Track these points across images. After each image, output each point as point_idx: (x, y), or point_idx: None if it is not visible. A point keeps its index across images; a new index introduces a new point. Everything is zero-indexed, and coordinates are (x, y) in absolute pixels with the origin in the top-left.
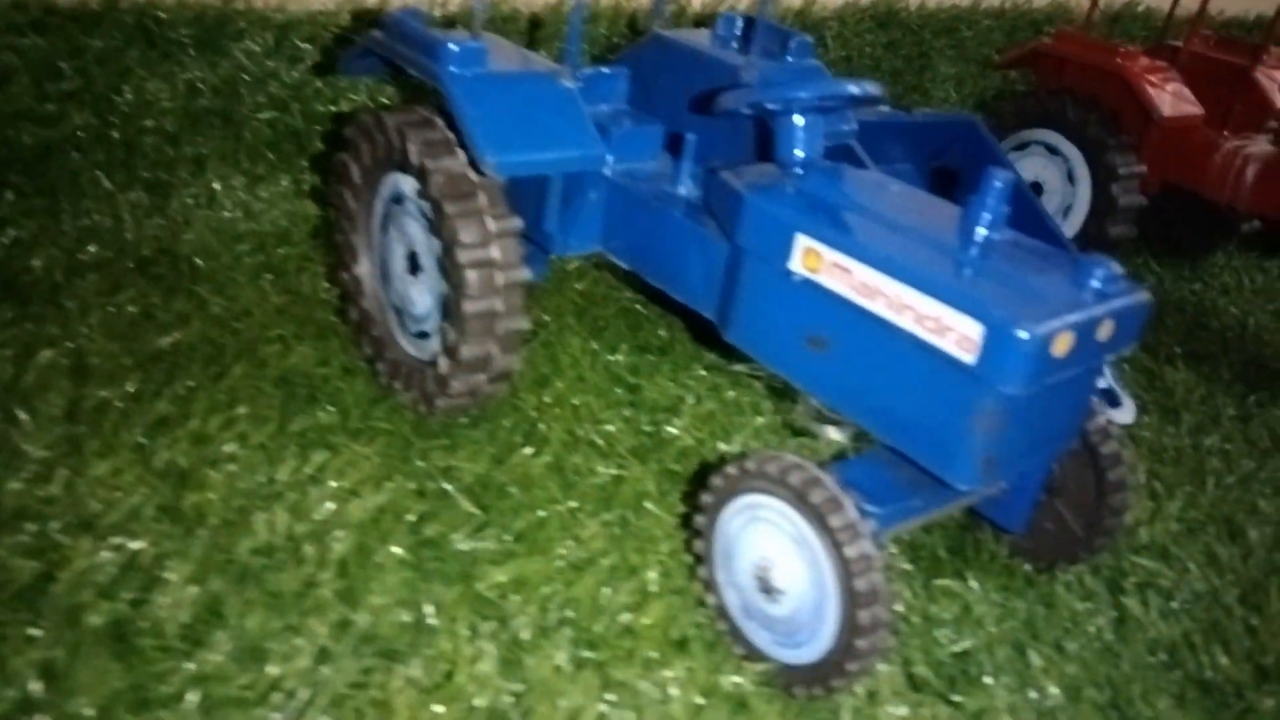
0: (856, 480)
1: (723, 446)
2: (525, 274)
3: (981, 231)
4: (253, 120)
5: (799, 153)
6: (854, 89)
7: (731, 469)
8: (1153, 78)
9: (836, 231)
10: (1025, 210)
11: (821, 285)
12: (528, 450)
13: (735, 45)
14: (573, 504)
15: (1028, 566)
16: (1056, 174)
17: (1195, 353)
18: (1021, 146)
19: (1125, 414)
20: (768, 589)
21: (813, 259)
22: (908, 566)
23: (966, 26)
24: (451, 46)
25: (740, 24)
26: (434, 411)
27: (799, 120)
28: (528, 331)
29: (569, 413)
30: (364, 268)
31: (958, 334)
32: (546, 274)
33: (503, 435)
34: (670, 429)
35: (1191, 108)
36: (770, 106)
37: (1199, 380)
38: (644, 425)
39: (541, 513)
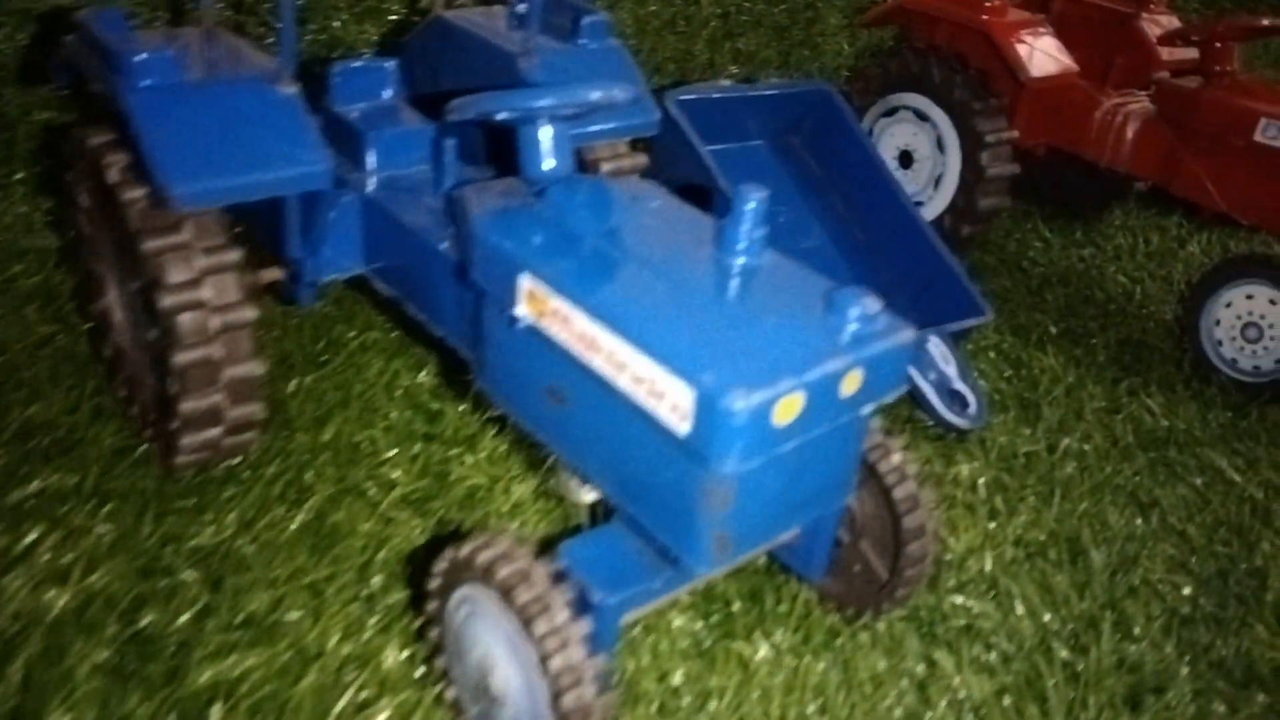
0: (591, 559)
1: (516, 490)
2: (249, 313)
3: (733, 262)
4: (25, 121)
5: (545, 165)
6: (596, 94)
7: (447, 555)
8: (1022, 33)
9: (561, 271)
10: (882, 197)
11: (545, 334)
12: (284, 508)
13: (533, 26)
14: (322, 574)
15: (835, 616)
16: (926, 141)
17: (1072, 332)
18: (891, 112)
19: (971, 418)
20: (488, 693)
21: (536, 303)
22: (698, 625)
23: None
24: (135, 57)
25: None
26: (174, 468)
27: (544, 131)
28: (263, 376)
29: (346, 454)
30: (112, 298)
31: (671, 400)
32: (313, 301)
33: (260, 490)
34: (462, 467)
35: (1065, 65)
36: (501, 118)
37: (1069, 365)
38: (434, 462)
39: (281, 589)
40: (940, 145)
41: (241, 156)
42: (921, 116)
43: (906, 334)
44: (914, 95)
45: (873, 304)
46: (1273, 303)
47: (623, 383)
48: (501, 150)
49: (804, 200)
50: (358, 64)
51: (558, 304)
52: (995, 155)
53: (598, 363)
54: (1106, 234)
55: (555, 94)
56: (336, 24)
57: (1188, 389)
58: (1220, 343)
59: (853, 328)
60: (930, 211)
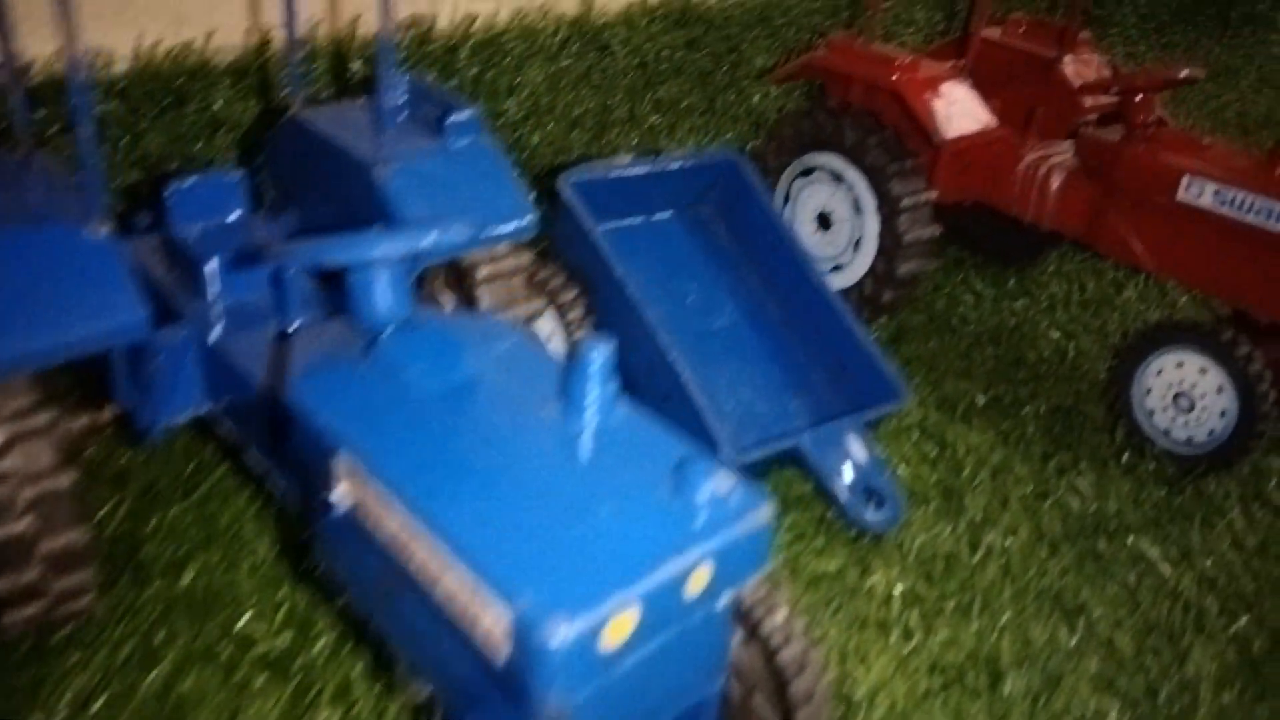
0: None
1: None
2: (65, 480)
3: (577, 429)
4: None
5: (376, 311)
6: (429, 239)
7: None
8: (936, 90)
9: (381, 450)
10: (793, 272)
11: (364, 523)
12: (128, 679)
13: (398, 121)
14: None
15: None
16: (843, 203)
17: (1000, 401)
18: (807, 172)
19: (887, 518)
20: None
21: (355, 487)
22: None
23: (781, 13)
24: None
25: (405, 92)
26: (4, 634)
27: (376, 276)
28: (87, 543)
29: (203, 606)
30: None
31: (486, 622)
32: (160, 439)
33: (104, 657)
34: (329, 614)
35: (982, 120)
36: (329, 265)
37: (996, 443)
38: (300, 609)
39: None
40: (858, 207)
41: (44, 315)
42: (838, 177)
43: (764, 513)
44: (828, 155)
45: (725, 481)
46: (1203, 371)
47: (438, 595)
48: None
49: (716, 275)
50: (196, 180)
51: (375, 491)
52: (913, 219)
53: (413, 567)
54: (1040, 282)
55: (385, 243)
56: (218, 104)
57: (1119, 464)
58: (1152, 412)
59: (703, 513)
60: (850, 275)
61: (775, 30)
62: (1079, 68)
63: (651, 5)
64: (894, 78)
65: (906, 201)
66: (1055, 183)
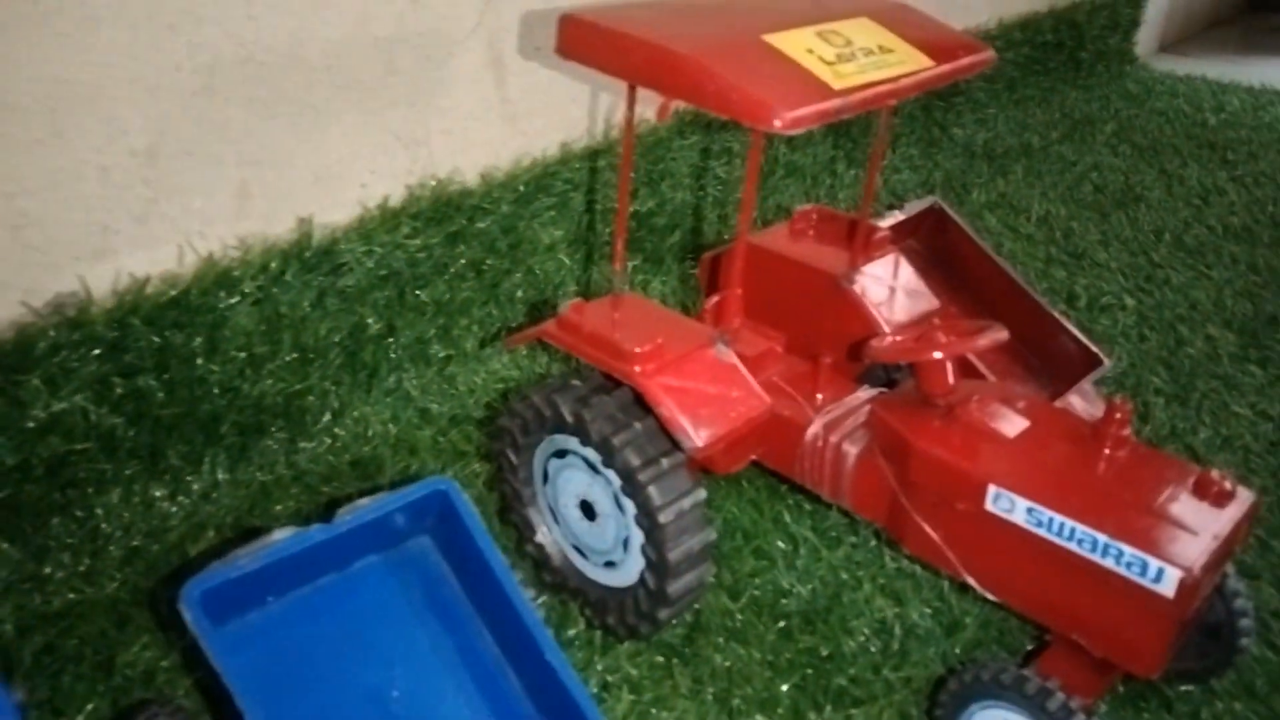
0: None
1: None
2: None
3: None
4: None
5: None
6: None
7: None
8: (685, 376)
9: None
10: (515, 626)
11: None
12: None
13: None
14: None
15: None
16: (604, 496)
17: None
18: (561, 454)
19: None
20: None
21: None
22: None
23: (564, 179)
24: None
25: None
26: None
27: None
28: None
29: None
30: None
31: None
32: None
33: None
34: None
35: (750, 402)
36: None
37: None
38: None
39: None
40: (619, 504)
41: None
42: (593, 466)
43: None
44: (578, 444)
45: None
46: None
47: None
48: None
49: (435, 639)
50: None
51: None
52: (680, 529)
53: None
54: (857, 560)
55: None
56: None
57: None
58: None
59: None
60: (624, 577)
61: (564, 199)
62: (875, 285)
63: (393, 208)
64: (634, 369)
65: (667, 515)
66: (849, 461)
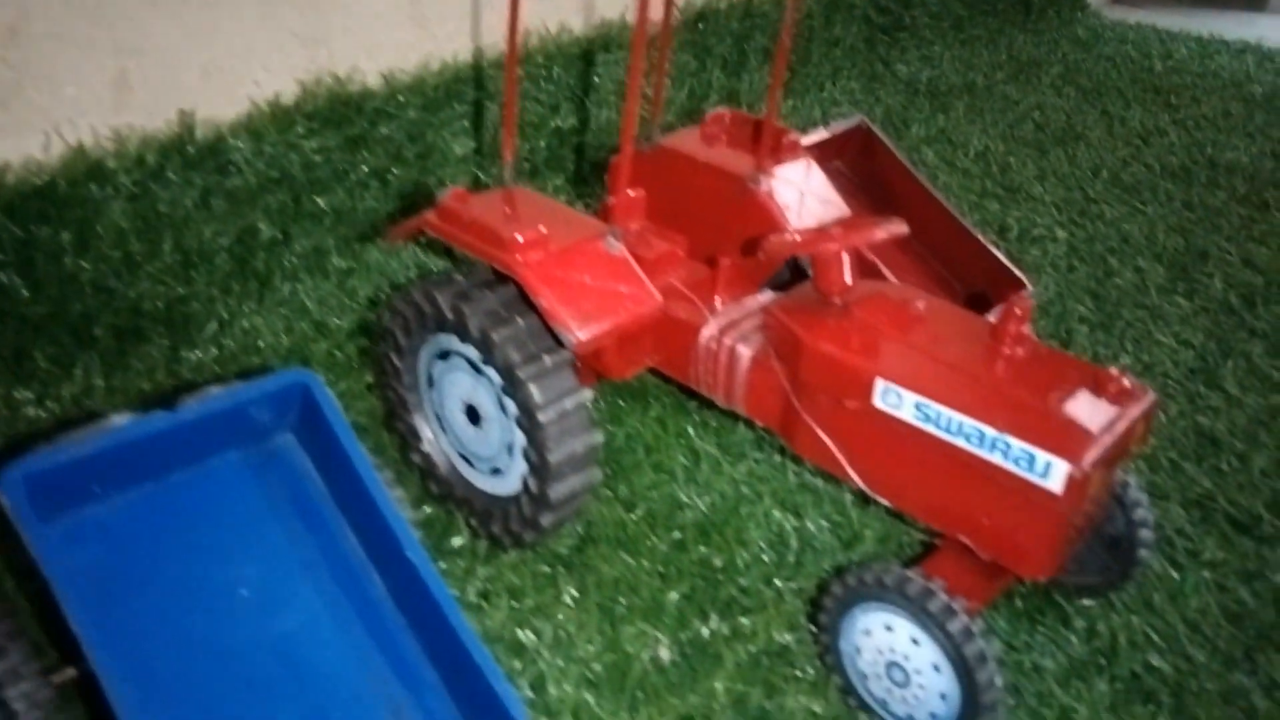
0: None
1: None
2: None
3: None
4: None
5: None
6: None
7: None
8: (571, 268)
9: None
10: (385, 535)
11: None
12: None
13: None
14: None
15: None
16: (488, 398)
17: (693, 658)
18: (445, 355)
19: None
20: None
21: None
22: None
23: (475, 85)
24: None
25: None
26: None
27: None
28: None
29: None
30: None
31: None
32: None
33: None
34: None
35: (640, 299)
36: None
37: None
38: None
39: None
40: (503, 406)
41: None
42: (476, 366)
43: None
44: (459, 342)
45: None
46: (915, 643)
47: None
48: None
49: (291, 542)
50: None
51: None
52: (562, 430)
53: None
54: (759, 474)
55: None
56: None
57: None
58: (866, 677)
59: None
60: (509, 485)
61: (479, 110)
62: (783, 188)
63: (285, 106)
64: (516, 258)
65: (548, 414)
66: (743, 363)
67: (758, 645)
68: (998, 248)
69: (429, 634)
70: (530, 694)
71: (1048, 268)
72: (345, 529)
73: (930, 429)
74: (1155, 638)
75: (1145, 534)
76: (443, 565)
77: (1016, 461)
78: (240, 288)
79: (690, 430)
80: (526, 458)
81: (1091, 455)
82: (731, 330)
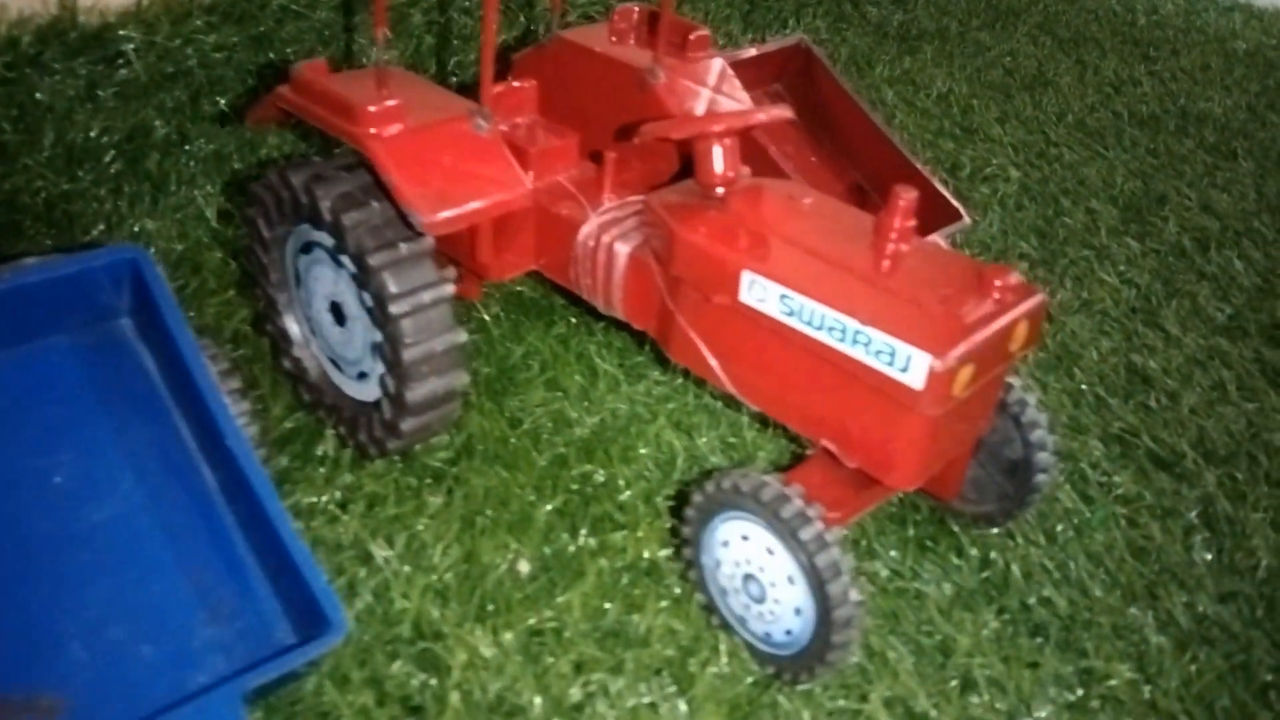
0: None
1: None
2: None
3: None
4: None
5: None
6: None
7: None
8: (431, 146)
9: None
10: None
11: None
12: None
13: None
14: None
15: None
16: (350, 294)
17: (553, 569)
18: (308, 248)
19: None
20: None
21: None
22: None
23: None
24: None
25: None
26: None
27: None
28: None
29: None
30: None
31: None
32: None
33: None
34: None
35: (506, 184)
36: None
37: (526, 664)
38: None
39: None
40: (362, 299)
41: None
42: (336, 258)
43: None
44: (317, 231)
45: None
46: (770, 552)
47: None
48: None
49: (115, 430)
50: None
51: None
52: (419, 326)
53: None
54: (657, 395)
55: None
56: None
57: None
58: (726, 592)
59: None
60: (373, 389)
61: (402, 16)
62: (685, 84)
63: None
64: (360, 133)
65: (400, 306)
66: (620, 262)
67: (625, 561)
68: (940, 180)
69: (252, 529)
70: (371, 600)
71: (995, 205)
72: (179, 419)
73: (795, 324)
74: (1052, 570)
75: (1043, 457)
76: (306, 472)
77: (878, 355)
78: (132, 189)
79: (592, 349)
80: (383, 356)
81: (958, 350)
82: (612, 228)
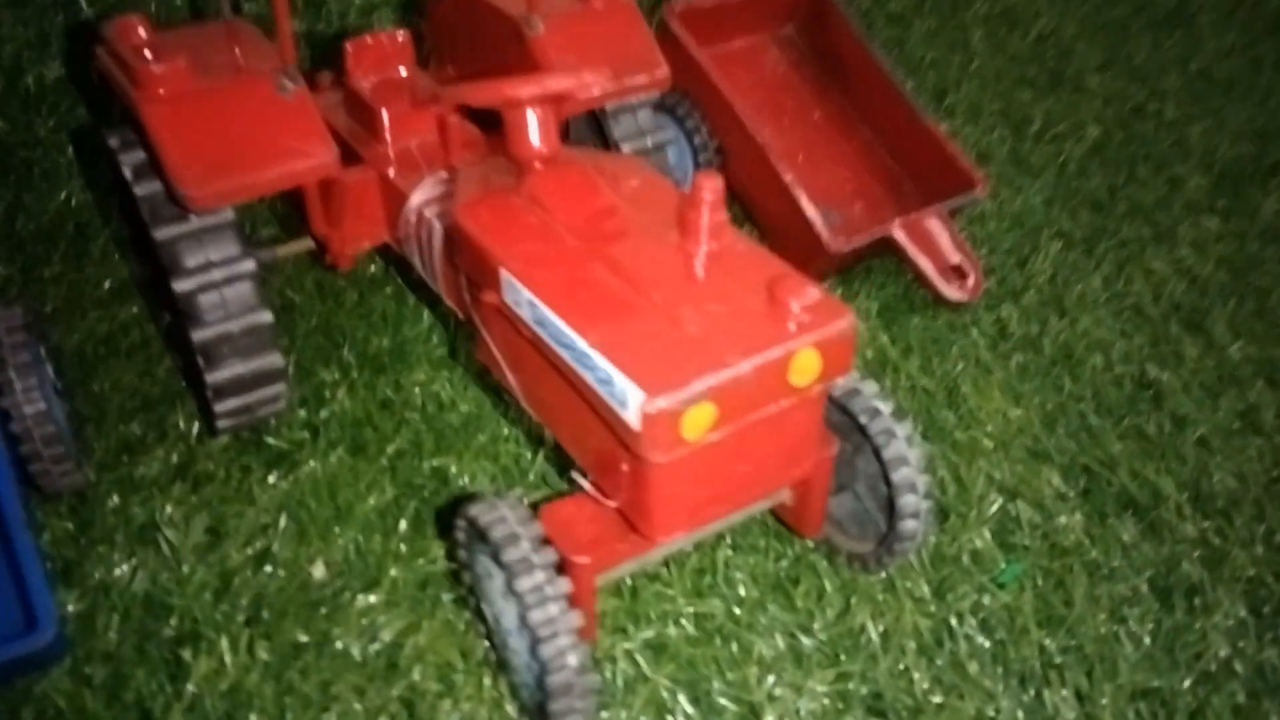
0: None
1: None
2: None
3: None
4: None
5: None
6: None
7: None
8: (213, 106)
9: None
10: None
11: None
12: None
13: None
14: None
15: None
16: None
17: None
18: None
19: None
20: None
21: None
22: None
23: None
24: None
25: None
26: None
27: None
28: None
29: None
30: None
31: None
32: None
33: None
34: None
35: (297, 160)
36: None
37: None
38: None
39: None
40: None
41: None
42: None
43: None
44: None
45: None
46: (505, 598)
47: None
48: None
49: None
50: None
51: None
52: (213, 301)
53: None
54: None
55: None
56: None
57: None
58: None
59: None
60: None
61: None
62: (568, 38)
63: None
64: (139, 97)
65: (185, 284)
66: (436, 241)
67: (430, 570)
68: (953, 138)
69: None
70: (149, 586)
71: (1052, 170)
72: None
73: (544, 335)
74: (924, 635)
75: (910, 500)
76: (148, 442)
77: (602, 385)
78: None
79: None
80: (186, 336)
81: (681, 391)
82: (442, 201)
